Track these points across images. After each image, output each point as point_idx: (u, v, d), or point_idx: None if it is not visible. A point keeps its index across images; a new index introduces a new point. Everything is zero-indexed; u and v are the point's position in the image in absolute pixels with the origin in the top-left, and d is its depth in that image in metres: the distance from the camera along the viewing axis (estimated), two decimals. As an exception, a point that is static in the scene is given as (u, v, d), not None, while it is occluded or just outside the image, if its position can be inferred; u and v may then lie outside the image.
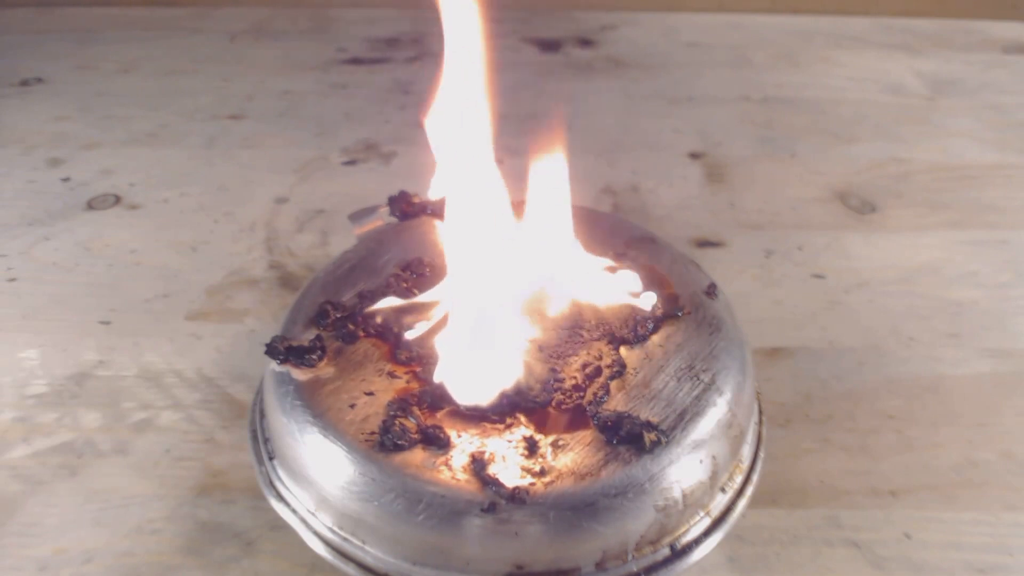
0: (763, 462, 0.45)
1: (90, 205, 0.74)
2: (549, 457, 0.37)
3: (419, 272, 0.49)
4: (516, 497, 0.35)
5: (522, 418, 0.39)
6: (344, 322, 0.45)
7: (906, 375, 0.56)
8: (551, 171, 0.43)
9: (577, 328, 0.44)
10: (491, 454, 0.37)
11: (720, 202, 0.76)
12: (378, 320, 0.44)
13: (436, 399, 0.40)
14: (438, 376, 0.40)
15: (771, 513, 0.45)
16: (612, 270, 0.49)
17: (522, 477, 0.36)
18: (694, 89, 1.00)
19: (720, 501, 0.41)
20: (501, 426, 0.39)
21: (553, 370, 0.42)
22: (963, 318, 0.61)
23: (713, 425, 0.40)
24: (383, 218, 0.55)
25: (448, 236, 0.47)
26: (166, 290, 0.63)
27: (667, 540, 0.38)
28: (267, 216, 0.73)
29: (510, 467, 0.37)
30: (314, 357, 0.42)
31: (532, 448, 0.37)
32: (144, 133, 0.87)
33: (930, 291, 0.64)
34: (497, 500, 0.35)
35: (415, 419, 0.39)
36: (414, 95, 0.96)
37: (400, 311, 0.45)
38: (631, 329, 0.45)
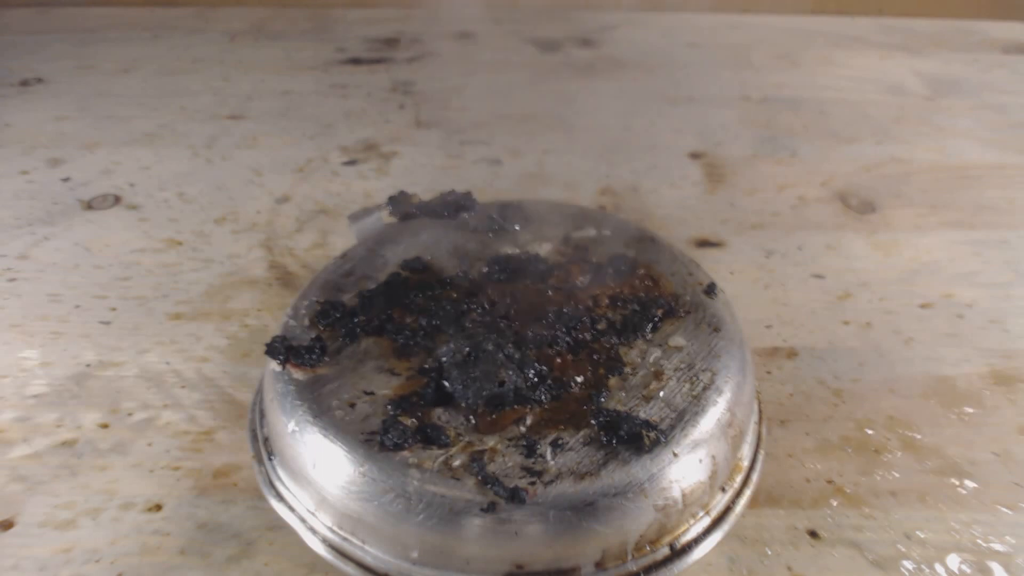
0: (763, 462, 0.45)
1: (90, 205, 0.74)
2: (549, 457, 0.37)
3: (419, 272, 0.49)
4: (516, 497, 0.35)
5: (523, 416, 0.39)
6: (344, 322, 0.45)
7: (906, 375, 0.56)
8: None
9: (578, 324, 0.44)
10: (491, 454, 0.37)
11: (720, 202, 0.76)
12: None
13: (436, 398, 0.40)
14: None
15: (771, 513, 0.45)
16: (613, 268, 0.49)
17: (522, 477, 0.36)
18: (694, 89, 1.00)
19: (720, 501, 0.41)
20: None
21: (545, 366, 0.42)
22: (963, 318, 0.61)
23: (713, 425, 0.40)
24: (383, 218, 0.55)
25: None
26: (166, 290, 0.63)
27: (667, 540, 0.38)
28: (267, 216, 0.73)
29: (510, 467, 0.37)
30: (314, 357, 0.42)
31: (532, 448, 0.37)
32: (144, 133, 0.87)
33: (930, 291, 0.64)
34: (497, 500, 0.35)
35: (415, 418, 0.39)
36: (414, 95, 0.96)
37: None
38: (631, 328, 0.45)
